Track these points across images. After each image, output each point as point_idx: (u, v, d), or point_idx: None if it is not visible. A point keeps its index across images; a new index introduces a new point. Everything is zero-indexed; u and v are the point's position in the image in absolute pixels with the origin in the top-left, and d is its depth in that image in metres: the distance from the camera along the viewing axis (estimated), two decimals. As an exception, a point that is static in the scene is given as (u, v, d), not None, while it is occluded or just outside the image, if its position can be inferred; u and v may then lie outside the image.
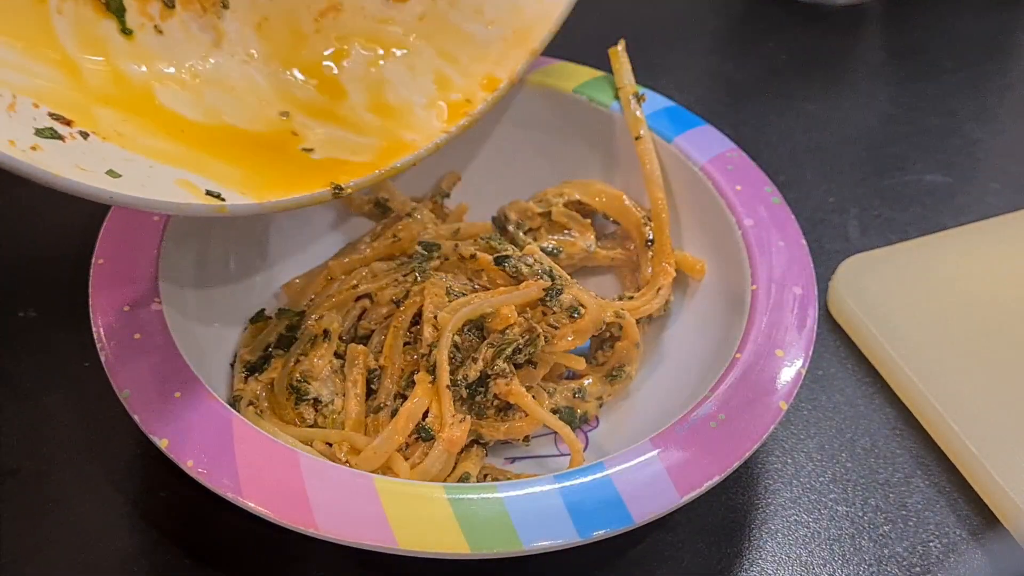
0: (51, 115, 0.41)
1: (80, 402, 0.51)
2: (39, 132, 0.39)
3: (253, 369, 0.49)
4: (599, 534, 0.40)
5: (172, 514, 0.47)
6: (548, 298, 0.49)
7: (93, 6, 0.46)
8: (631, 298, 0.52)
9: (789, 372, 0.45)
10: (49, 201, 0.61)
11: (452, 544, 0.39)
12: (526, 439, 0.49)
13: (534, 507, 0.40)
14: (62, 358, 0.53)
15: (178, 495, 0.47)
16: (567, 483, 0.41)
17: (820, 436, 0.52)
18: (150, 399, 0.42)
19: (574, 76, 0.58)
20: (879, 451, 0.52)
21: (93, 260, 0.47)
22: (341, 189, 0.47)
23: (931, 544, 0.48)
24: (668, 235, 0.53)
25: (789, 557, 0.47)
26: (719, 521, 0.48)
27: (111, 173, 0.40)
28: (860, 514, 0.49)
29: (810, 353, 0.46)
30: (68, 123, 0.41)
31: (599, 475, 0.41)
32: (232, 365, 0.50)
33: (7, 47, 0.42)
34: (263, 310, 0.53)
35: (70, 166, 0.38)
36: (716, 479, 0.41)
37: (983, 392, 0.52)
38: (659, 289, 0.52)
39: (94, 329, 0.45)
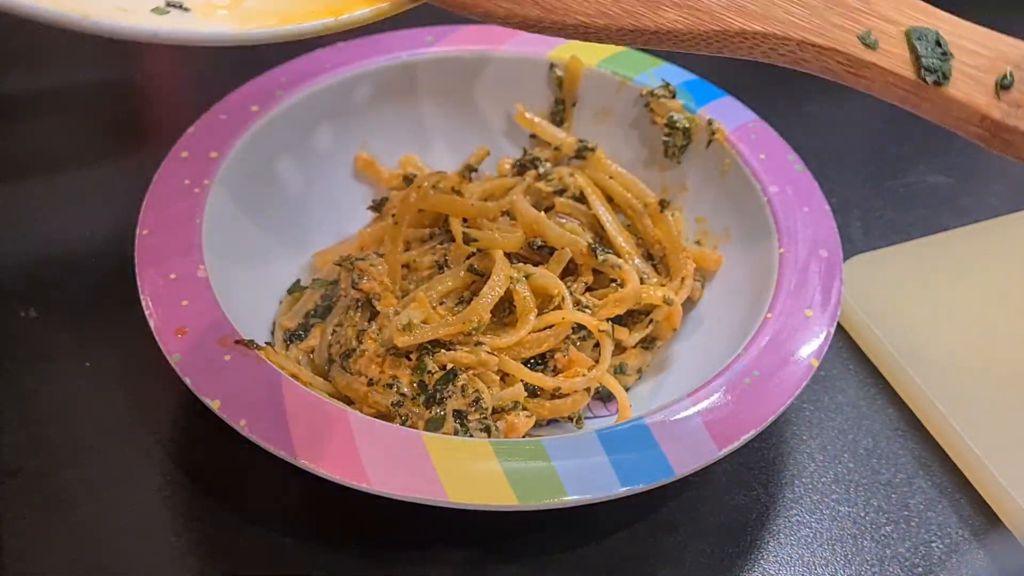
0: None
1: (81, 402, 0.51)
2: None
3: (293, 337, 0.51)
4: (641, 486, 0.41)
5: (175, 513, 0.47)
6: (596, 252, 0.51)
7: None
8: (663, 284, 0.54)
9: (819, 331, 0.47)
10: (50, 202, 0.61)
11: (500, 496, 0.40)
12: (578, 420, 0.50)
13: (578, 461, 0.41)
14: (62, 358, 0.53)
15: (180, 494, 0.47)
16: (610, 438, 0.42)
17: (822, 436, 0.52)
18: (200, 363, 0.43)
19: (597, 51, 0.60)
20: (881, 451, 0.52)
21: (137, 232, 0.49)
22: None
23: (933, 544, 0.48)
24: (681, 256, 0.54)
25: (791, 557, 0.47)
26: (721, 521, 0.48)
27: (157, 11, 0.37)
28: (862, 514, 0.49)
29: (837, 312, 0.48)
30: None
31: (640, 430, 0.42)
32: (272, 333, 0.52)
33: None
34: (299, 280, 0.54)
35: (108, 9, 0.36)
36: (752, 432, 0.43)
37: (985, 393, 0.52)
38: (683, 279, 0.54)
39: (142, 297, 0.46)
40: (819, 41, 0.37)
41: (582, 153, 0.58)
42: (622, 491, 0.40)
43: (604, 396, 0.51)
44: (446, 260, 0.52)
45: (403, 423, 0.46)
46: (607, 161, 0.58)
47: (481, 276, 0.51)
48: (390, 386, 0.47)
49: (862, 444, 0.52)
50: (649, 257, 0.55)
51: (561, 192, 0.56)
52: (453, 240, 0.52)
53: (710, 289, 0.55)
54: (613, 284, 0.52)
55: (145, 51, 0.74)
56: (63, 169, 0.63)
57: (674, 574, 0.46)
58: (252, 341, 0.45)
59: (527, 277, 0.50)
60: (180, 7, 0.38)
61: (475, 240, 0.51)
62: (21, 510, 0.47)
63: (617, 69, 0.59)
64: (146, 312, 0.45)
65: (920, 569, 0.47)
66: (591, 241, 0.52)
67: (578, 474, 0.41)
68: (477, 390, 0.47)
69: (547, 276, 0.51)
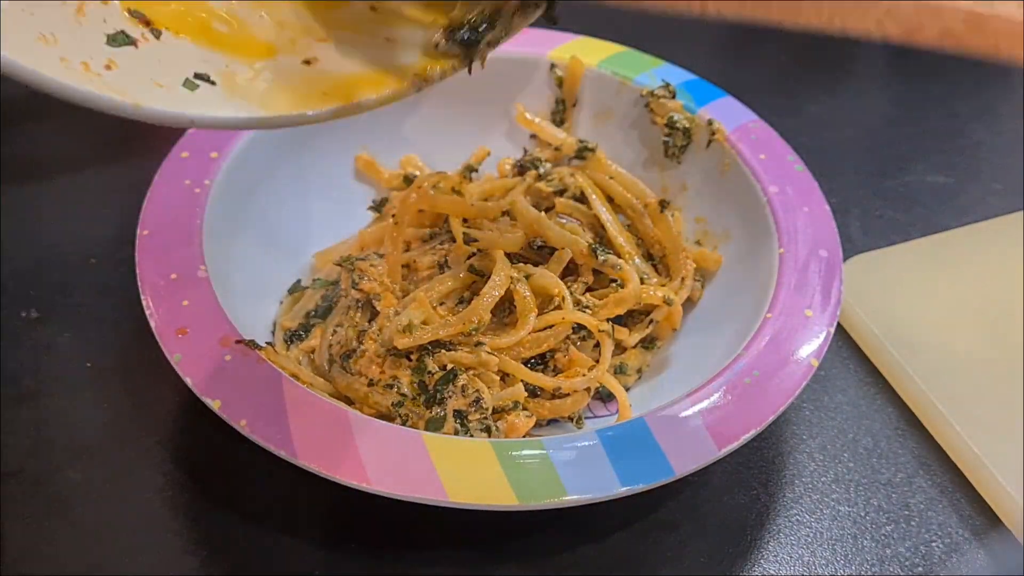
0: (129, 12, 0.37)
1: (82, 403, 0.51)
2: (111, 40, 0.36)
3: (294, 337, 0.51)
4: (641, 486, 0.41)
5: (175, 513, 0.47)
6: (597, 252, 0.51)
7: None
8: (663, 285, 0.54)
9: (818, 330, 0.47)
10: (51, 203, 0.61)
11: (500, 496, 0.40)
12: (578, 420, 0.50)
13: (578, 460, 0.41)
14: (64, 359, 0.53)
15: (181, 494, 0.47)
16: (610, 438, 0.42)
17: (822, 436, 0.52)
18: (201, 363, 0.43)
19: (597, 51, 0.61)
20: (881, 451, 0.52)
21: (138, 232, 0.49)
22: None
23: (933, 544, 0.48)
24: (681, 256, 0.55)
25: (791, 557, 0.47)
26: (721, 521, 0.48)
27: (188, 85, 0.37)
28: (862, 514, 0.49)
29: (837, 312, 0.48)
30: (147, 23, 0.37)
31: (640, 430, 0.42)
32: (272, 333, 0.52)
33: None
34: (299, 280, 0.54)
35: (147, 84, 0.36)
36: (752, 432, 0.43)
37: (985, 392, 0.52)
38: (683, 279, 0.54)
39: (143, 298, 0.46)
40: None
41: (582, 153, 0.59)
42: (622, 491, 0.40)
43: (604, 396, 0.51)
44: (446, 260, 0.53)
45: (403, 423, 0.46)
46: (607, 161, 0.58)
47: (481, 276, 0.51)
48: (390, 386, 0.47)
49: (862, 444, 0.52)
50: (649, 257, 0.56)
51: (561, 192, 0.56)
52: (453, 240, 0.52)
53: (710, 289, 0.55)
54: (613, 284, 0.52)
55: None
56: (64, 170, 0.63)
57: (674, 573, 0.46)
58: (252, 341, 0.45)
59: (527, 277, 0.50)
60: (207, 79, 0.38)
61: (475, 240, 0.51)
62: (22, 510, 0.47)
63: (617, 69, 0.59)
64: (147, 312, 0.45)
65: (920, 569, 0.47)
66: (591, 241, 0.52)
67: (578, 474, 0.41)
68: (477, 390, 0.47)
69: (547, 276, 0.51)
